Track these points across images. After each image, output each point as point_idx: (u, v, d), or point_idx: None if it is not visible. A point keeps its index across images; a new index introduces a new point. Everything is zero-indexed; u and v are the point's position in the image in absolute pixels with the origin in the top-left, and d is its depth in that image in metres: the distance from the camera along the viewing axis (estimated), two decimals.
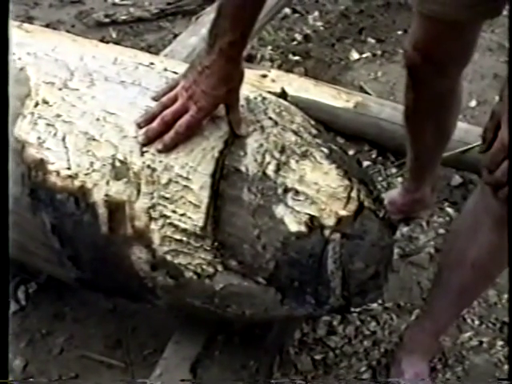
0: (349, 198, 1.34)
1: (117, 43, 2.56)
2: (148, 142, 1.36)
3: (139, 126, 1.38)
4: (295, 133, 1.40)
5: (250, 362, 1.67)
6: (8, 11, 1.22)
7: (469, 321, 1.89)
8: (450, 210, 2.23)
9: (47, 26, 2.99)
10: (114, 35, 3.20)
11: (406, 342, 1.76)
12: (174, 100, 1.37)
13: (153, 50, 2.94)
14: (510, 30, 1.44)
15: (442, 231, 2.15)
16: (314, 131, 1.44)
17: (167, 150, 1.35)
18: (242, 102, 1.42)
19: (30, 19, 3.18)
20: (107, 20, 3.28)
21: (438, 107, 1.83)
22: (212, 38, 1.30)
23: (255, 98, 1.46)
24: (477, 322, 1.89)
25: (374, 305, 1.89)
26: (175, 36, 3.03)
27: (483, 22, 1.69)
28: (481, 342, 1.84)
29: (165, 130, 1.35)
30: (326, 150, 1.38)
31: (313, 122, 1.48)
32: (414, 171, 2.07)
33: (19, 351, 1.79)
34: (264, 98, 1.47)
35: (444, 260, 1.67)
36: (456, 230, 1.62)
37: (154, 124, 1.36)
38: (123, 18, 3.30)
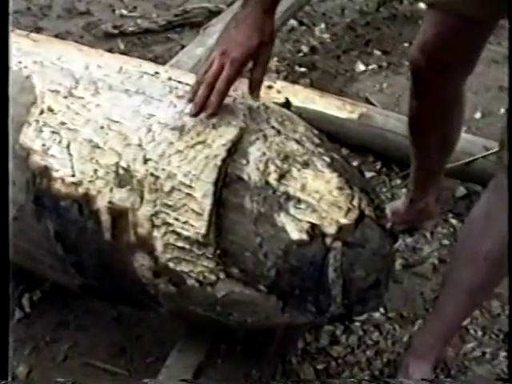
0: (350, 206, 1.35)
1: (125, 54, 2.58)
2: (198, 109, 1.41)
3: (190, 100, 1.43)
4: (297, 142, 1.41)
5: (252, 371, 1.68)
6: (8, 16, 1.24)
7: (472, 331, 1.89)
8: (454, 221, 2.23)
9: (56, 36, 3.00)
10: (121, 46, 3.22)
11: (415, 347, 1.75)
12: (212, 65, 1.42)
13: (160, 61, 2.95)
14: (510, 30, 1.44)
15: (445, 242, 2.15)
16: (316, 140, 1.45)
17: (214, 109, 1.40)
18: (244, 111, 1.44)
19: (38, 30, 3.20)
20: (115, 31, 3.31)
21: (442, 115, 1.83)
22: None
23: (258, 108, 1.47)
24: (480, 333, 1.88)
25: (377, 315, 1.89)
26: (183, 47, 3.05)
27: (495, 23, 1.69)
28: (484, 353, 1.84)
29: (210, 92, 1.41)
30: (327, 159, 1.39)
31: (315, 132, 1.49)
32: (418, 181, 2.07)
33: (23, 358, 1.79)
34: (267, 108, 1.48)
35: (455, 258, 1.66)
36: (468, 226, 1.62)
37: (200, 91, 1.41)
38: (131, 29, 3.32)
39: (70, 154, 1.41)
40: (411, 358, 1.74)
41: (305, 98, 2.47)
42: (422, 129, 1.89)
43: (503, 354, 1.83)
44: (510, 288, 1.61)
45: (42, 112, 1.47)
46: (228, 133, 1.39)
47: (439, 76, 1.72)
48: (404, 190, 2.30)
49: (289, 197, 1.34)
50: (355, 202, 1.35)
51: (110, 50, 2.91)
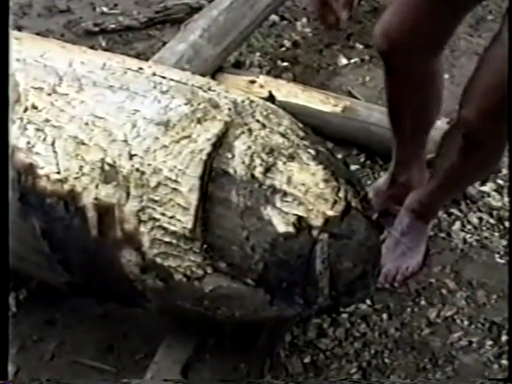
0: (336, 198, 1.35)
1: (106, 51, 2.57)
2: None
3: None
4: (282, 135, 1.41)
5: (240, 365, 1.68)
6: (8, 16, 1.25)
7: (458, 321, 1.90)
8: (440, 213, 2.24)
9: (36, 35, 2.99)
10: (103, 44, 3.20)
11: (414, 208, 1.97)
12: None
13: (142, 57, 2.93)
14: (510, 29, 1.46)
15: (430, 233, 2.16)
16: (301, 133, 1.45)
17: None
18: (229, 105, 1.44)
19: (18, 29, 3.17)
20: (96, 29, 3.28)
21: (413, 92, 1.84)
22: None
23: (243, 102, 1.47)
24: (466, 323, 1.90)
25: (364, 306, 1.90)
26: (164, 44, 3.03)
27: (464, 14, 1.73)
28: (470, 342, 1.85)
29: None
30: (312, 152, 1.40)
31: (300, 125, 1.49)
32: (400, 158, 2.08)
33: (10, 357, 1.78)
34: (251, 102, 1.48)
35: None
36: None
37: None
38: (112, 26, 3.30)
39: (55, 151, 1.41)
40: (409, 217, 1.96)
41: (288, 92, 2.48)
42: (396, 106, 1.93)
43: (489, 342, 1.85)
44: (510, 287, 1.62)
45: (26, 109, 1.47)
46: (213, 127, 1.39)
47: (403, 58, 1.75)
48: None
49: (275, 190, 1.34)
50: (341, 194, 1.36)
51: (92, 48, 2.89)
